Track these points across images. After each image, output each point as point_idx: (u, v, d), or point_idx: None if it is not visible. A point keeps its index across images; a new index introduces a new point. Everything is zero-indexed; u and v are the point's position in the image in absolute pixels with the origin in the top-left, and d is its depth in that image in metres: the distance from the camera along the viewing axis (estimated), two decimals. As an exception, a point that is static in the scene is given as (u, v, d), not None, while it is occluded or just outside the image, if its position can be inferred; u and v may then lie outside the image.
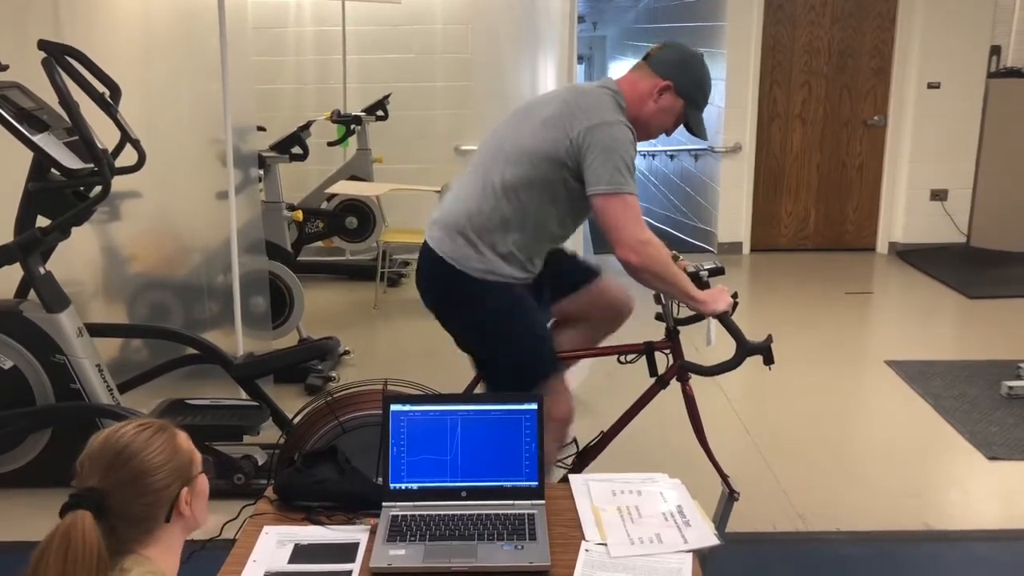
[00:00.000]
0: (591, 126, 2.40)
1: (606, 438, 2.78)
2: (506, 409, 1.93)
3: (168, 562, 1.49)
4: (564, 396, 2.63)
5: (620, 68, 12.91)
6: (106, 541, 1.39)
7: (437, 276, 2.55)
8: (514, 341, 2.55)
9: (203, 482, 1.56)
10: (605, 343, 2.86)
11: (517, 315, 2.54)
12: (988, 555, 3.02)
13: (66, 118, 3.08)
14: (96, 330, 3.52)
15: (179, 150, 4.06)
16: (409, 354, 4.97)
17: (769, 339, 2.49)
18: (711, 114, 7.06)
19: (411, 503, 1.89)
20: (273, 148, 5.33)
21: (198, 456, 1.56)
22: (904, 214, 7.11)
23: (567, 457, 2.83)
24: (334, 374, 4.53)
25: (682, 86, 2.53)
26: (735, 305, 2.54)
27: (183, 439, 1.53)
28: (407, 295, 6.20)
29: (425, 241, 2.58)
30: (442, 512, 1.85)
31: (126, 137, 3.32)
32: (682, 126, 2.63)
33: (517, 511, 1.86)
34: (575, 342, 2.83)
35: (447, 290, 2.56)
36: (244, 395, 3.67)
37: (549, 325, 2.85)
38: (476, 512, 1.85)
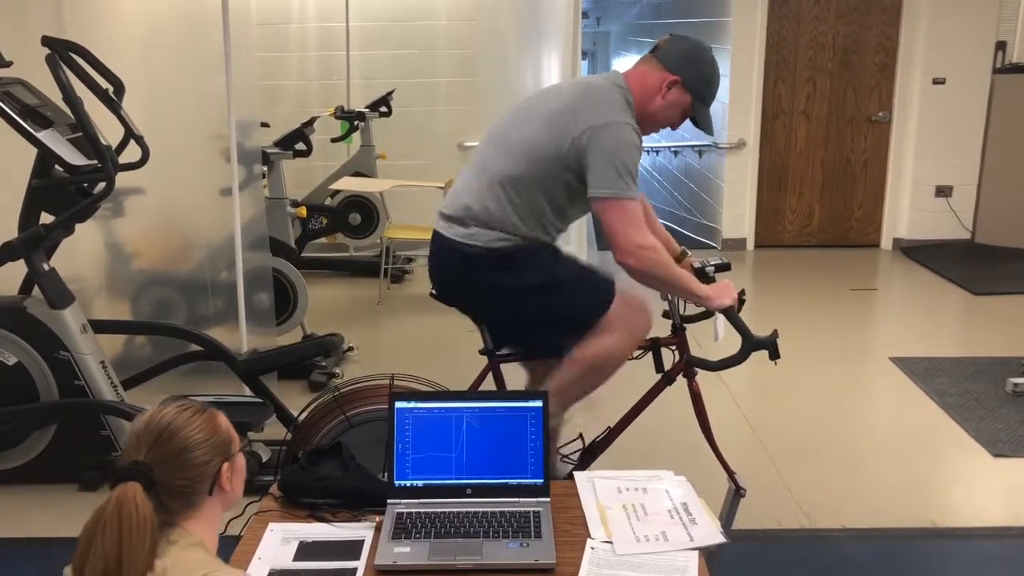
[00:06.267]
0: (595, 126, 2.39)
1: (612, 434, 2.77)
2: (511, 407, 1.93)
3: (209, 534, 1.55)
4: (639, 306, 2.59)
5: (624, 64, 12.88)
6: (155, 513, 1.45)
7: (455, 260, 2.53)
8: (554, 283, 2.53)
9: (241, 460, 1.62)
10: None
11: (541, 261, 2.53)
12: (993, 552, 3.01)
13: (70, 114, 3.08)
14: (100, 326, 3.52)
15: (182, 146, 4.05)
16: (413, 350, 4.97)
17: (775, 334, 2.48)
18: (715, 110, 7.06)
19: (416, 500, 1.88)
20: (277, 144, 5.33)
21: (235, 435, 1.62)
22: (909, 210, 7.09)
23: (573, 453, 2.82)
24: (338, 370, 4.53)
25: (690, 81, 2.51)
26: (741, 301, 2.53)
27: (222, 418, 1.60)
28: (411, 291, 6.20)
29: (435, 231, 2.58)
30: (447, 509, 1.85)
31: (130, 133, 3.31)
32: (688, 120, 2.62)
33: (522, 509, 1.85)
34: None
35: (470, 270, 2.54)
36: (248, 391, 3.67)
37: None
38: (481, 510, 1.85)
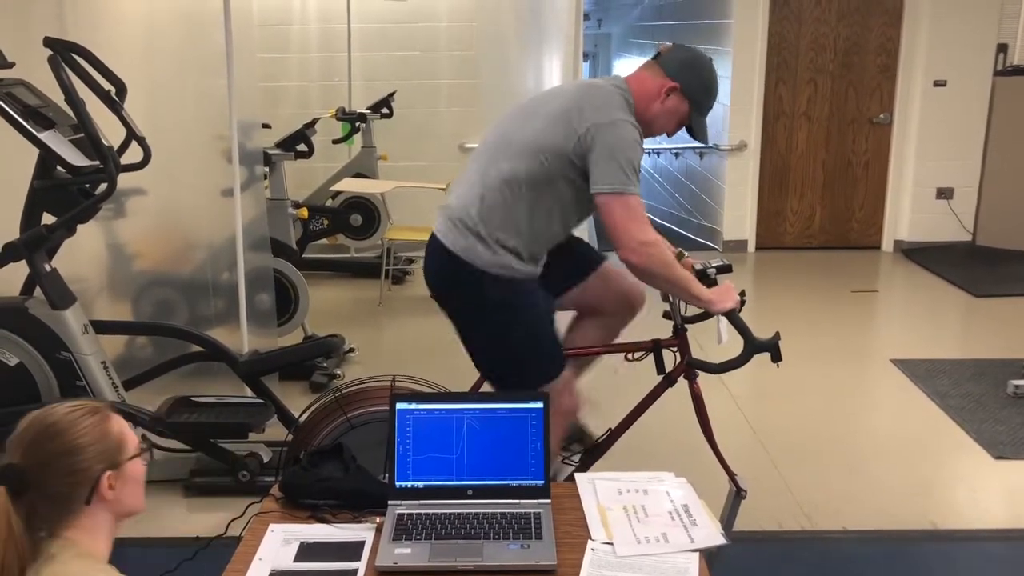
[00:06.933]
0: (598, 124, 2.39)
1: (613, 436, 2.77)
2: (512, 408, 1.93)
3: (95, 545, 1.48)
4: (569, 390, 2.62)
5: (625, 66, 12.89)
6: (26, 520, 1.39)
7: (444, 269, 2.54)
8: (519, 337, 2.53)
9: (135, 467, 1.54)
10: (616, 340, 2.85)
11: (524, 310, 2.53)
12: (995, 554, 3.01)
13: (72, 115, 3.08)
14: (101, 327, 3.52)
15: (184, 147, 4.05)
16: (414, 351, 4.97)
17: (777, 336, 2.48)
18: (716, 112, 7.05)
19: (417, 501, 1.88)
20: (278, 145, 5.33)
21: (131, 441, 1.54)
22: (910, 212, 7.09)
23: (574, 455, 2.82)
24: (339, 371, 4.53)
25: (689, 88, 2.52)
26: (742, 303, 2.53)
27: (115, 423, 1.52)
28: (412, 292, 6.20)
29: (433, 233, 2.58)
30: (448, 511, 1.85)
31: (131, 134, 3.32)
32: (684, 129, 2.63)
33: (523, 510, 1.85)
34: (593, 336, 2.82)
35: (454, 283, 2.55)
36: (249, 392, 3.67)
37: (571, 319, 2.85)
38: (482, 511, 1.85)
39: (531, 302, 2.55)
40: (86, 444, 1.45)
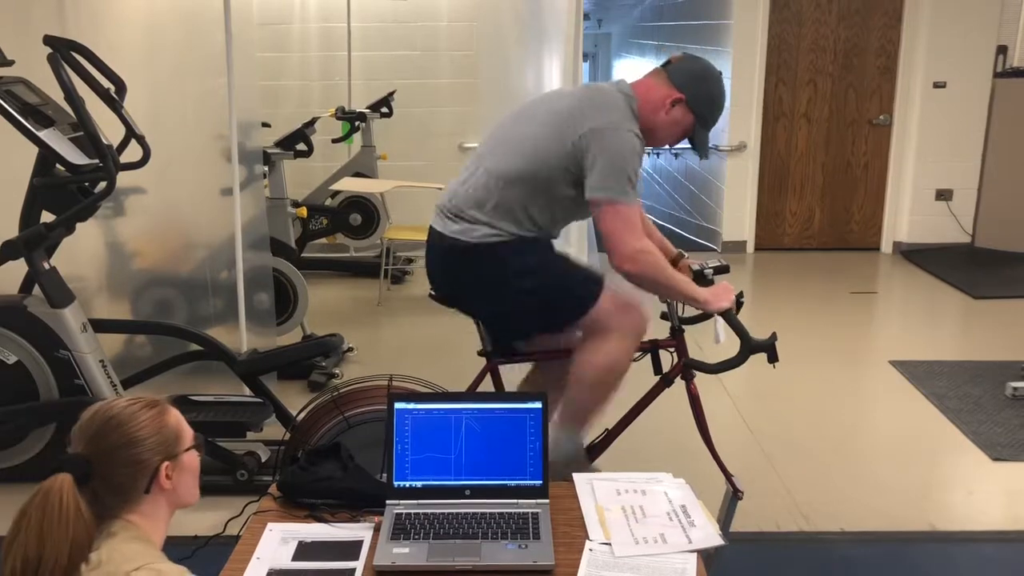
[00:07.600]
0: (597, 128, 2.39)
1: (610, 436, 2.78)
2: (510, 408, 1.93)
3: (154, 531, 1.55)
4: (629, 304, 2.56)
5: (625, 66, 12.89)
6: (91, 506, 1.46)
7: (448, 256, 2.54)
8: (542, 280, 2.52)
9: (191, 459, 1.61)
10: None
11: (532, 257, 2.53)
12: (992, 556, 3.01)
13: (71, 114, 3.08)
14: (100, 326, 3.52)
15: (183, 146, 4.05)
16: (412, 351, 4.97)
17: (773, 337, 2.48)
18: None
19: (415, 501, 1.88)
20: (278, 144, 5.33)
21: (187, 433, 1.61)
22: (909, 214, 7.10)
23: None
24: (338, 371, 4.53)
25: (695, 101, 2.51)
26: (740, 303, 2.54)
27: (172, 416, 1.59)
28: (411, 292, 6.20)
29: (431, 227, 2.59)
30: (446, 510, 1.85)
31: (131, 133, 3.32)
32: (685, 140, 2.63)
33: (521, 510, 1.86)
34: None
35: (462, 266, 2.54)
36: (248, 391, 3.67)
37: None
38: (480, 511, 1.85)
39: (532, 249, 2.54)
40: (145, 436, 1.52)
